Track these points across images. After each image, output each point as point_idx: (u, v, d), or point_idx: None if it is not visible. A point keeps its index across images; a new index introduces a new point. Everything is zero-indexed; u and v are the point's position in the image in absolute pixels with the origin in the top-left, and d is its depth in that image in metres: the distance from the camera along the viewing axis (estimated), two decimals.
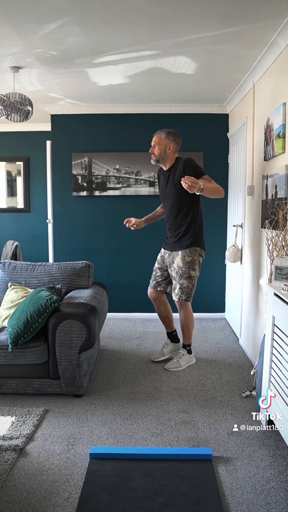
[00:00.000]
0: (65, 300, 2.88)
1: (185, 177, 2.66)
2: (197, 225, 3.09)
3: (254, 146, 3.31)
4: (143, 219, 3.38)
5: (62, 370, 2.60)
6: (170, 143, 3.07)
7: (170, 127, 4.17)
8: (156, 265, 3.33)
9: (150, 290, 3.36)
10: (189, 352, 3.26)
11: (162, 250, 3.31)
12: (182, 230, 3.08)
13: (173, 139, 3.09)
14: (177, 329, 3.41)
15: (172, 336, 3.39)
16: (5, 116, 3.21)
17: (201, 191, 2.69)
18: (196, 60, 3.03)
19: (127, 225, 3.32)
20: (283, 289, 2.09)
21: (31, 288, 3.11)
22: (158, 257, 3.33)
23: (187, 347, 3.25)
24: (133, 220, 3.31)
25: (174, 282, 3.16)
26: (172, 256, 3.15)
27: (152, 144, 3.12)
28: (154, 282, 3.32)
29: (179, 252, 3.09)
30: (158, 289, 3.30)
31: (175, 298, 3.15)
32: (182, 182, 2.64)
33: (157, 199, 4.43)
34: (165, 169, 3.17)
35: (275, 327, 2.15)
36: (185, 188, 2.66)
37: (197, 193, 2.73)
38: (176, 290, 3.13)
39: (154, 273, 3.34)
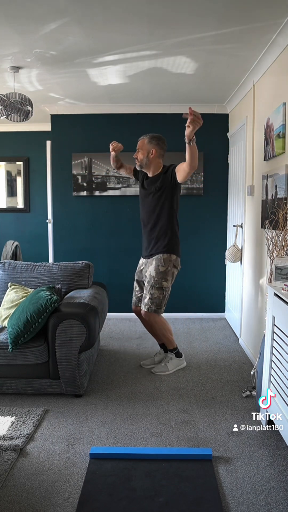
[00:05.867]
0: (65, 300, 2.87)
1: (191, 110, 2.42)
2: (173, 230, 3.00)
3: (254, 146, 3.31)
4: (117, 153, 3.20)
5: (62, 370, 2.60)
6: (153, 147, 2.97)
7: (170, 127, 4.16)
8: (136, 277, 3.22)
9: (133, 307, 3.26)
10: (178, 355, 3.17)
11: (140, 261, 3.20)
12: (159, 234, 2.99)
13: (156, 143, 2.98)
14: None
15: (164, 346, 3.26)
16: (5, 116, 3.21)
17: (193, 142, 2.55)
18: (196, 60, 3.03)
19: (112, 146, 3.15)
20: (283, 289, 2.09)
21: (31, 288, 3.11)
22: (137, 269, 3.22)
23: (174, 351, 3.17)
24: (118, 146, 3.14)
25: (145, 291, 3.03)
26: (147, 265, 3.06)
27: (137, 149, 3.03)
28: (135, 299, 3.22)
29: (153, 261, 2.99)
30: (139, 305, 3.18)
31: (143, 308, 3.02)
32: (189, 111, 2.40)
33: None
34: (150, 175, 3.07)
35: (275, 327, 2.15)
36: (188, 118, 2.41)
37: (190, 143, 2.54)
38: (146, 300, 3.00)
39: (134, 288, 3.24)
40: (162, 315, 3.09)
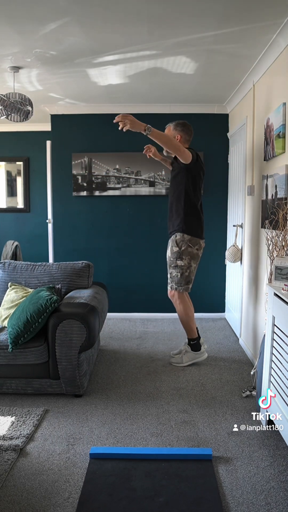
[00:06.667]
0: (65, 300, 2.88)
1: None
2: (188, 211, 3.08)
3: (254, 146, 3.31)
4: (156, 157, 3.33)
5: (62, 370, 2.60)
6: (177, 133, 3.14)
7: None
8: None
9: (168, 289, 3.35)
10: (194, 348, 3.23)
11: None
12: (174, 214, 3.14)
13: (181, 129, 3.15)
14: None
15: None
16: (5, 116, 3.21)
17: (147, 131, 2.75)
18: (196, 60, 3.03)
19: (145, 151, 3.27)
20: (283, 289, 2.09)
21: (31, 288, 3.11)
22: None
23: (191, 341, 3.23)
24: (153, 149, 3.25)
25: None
26: (168, 245, 3.23)
27: None
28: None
29: (170, 242, 3.16)
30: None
31: (168, 288, 3.23)
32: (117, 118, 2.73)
33: (157, 199, 4.46)
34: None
35: (275, 327, 2.15)
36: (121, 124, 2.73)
37: (144, 133, 2.76)
38: (168, 280, 3.22)
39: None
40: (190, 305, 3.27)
